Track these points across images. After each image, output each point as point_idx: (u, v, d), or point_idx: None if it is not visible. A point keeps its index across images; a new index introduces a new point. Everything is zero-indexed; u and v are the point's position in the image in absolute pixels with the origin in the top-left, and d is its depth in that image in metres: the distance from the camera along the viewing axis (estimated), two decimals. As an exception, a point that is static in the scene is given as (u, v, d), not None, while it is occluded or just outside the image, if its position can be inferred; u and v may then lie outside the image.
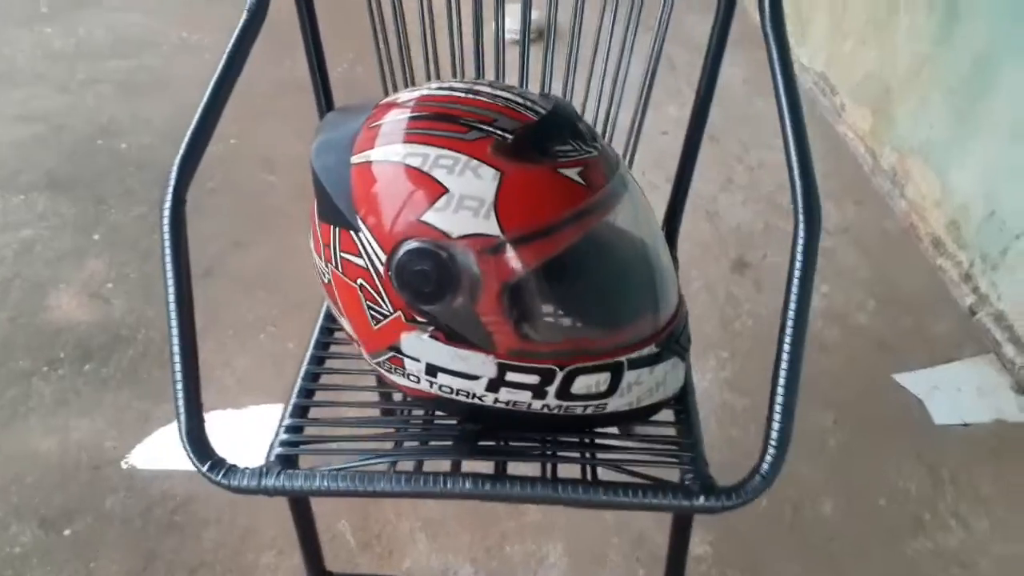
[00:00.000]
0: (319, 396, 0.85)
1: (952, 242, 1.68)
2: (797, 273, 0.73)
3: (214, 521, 1.18)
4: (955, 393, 1.43)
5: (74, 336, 1.49)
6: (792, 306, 0.71)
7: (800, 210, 0.75)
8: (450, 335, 0.67)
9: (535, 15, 0.94)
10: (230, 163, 1.95)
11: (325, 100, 1.01)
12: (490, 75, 0.94)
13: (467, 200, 0.62)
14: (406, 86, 0.96)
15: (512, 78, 0.95)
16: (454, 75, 0.95)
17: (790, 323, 0.70)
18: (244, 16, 0.88)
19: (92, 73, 2.37)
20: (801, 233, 0.74)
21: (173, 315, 0.75)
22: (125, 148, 2.02)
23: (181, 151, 0.80)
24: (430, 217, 0.62)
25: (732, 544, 1.18)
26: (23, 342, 1.48)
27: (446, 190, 0.62)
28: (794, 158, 0.76)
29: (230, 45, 0.85)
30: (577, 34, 0.90)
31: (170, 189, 0.77)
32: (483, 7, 0.93)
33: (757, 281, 1.68)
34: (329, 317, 0.93)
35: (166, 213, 0.76)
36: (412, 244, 0.63)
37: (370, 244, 0.65)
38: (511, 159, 0.63)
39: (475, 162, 0.63)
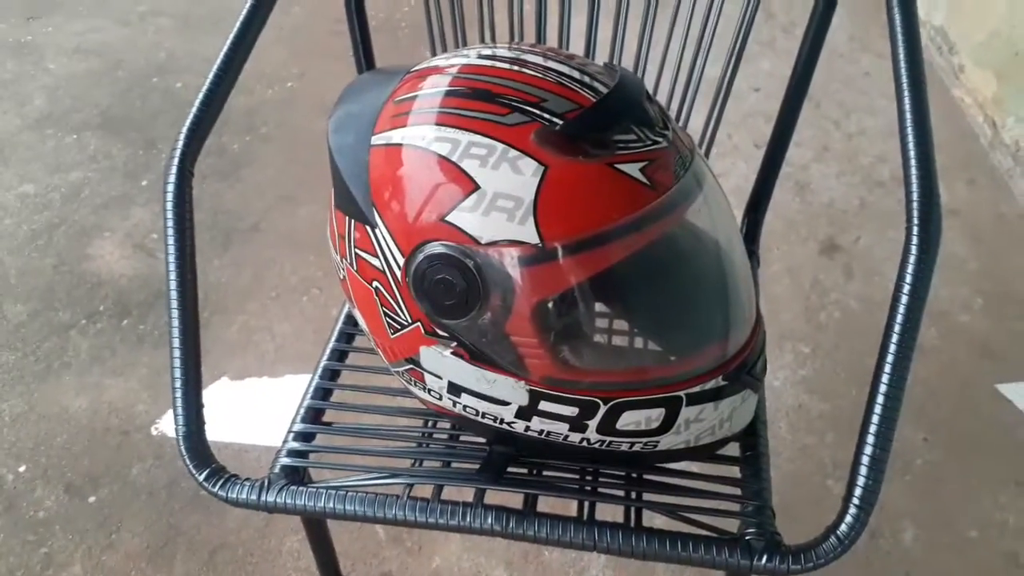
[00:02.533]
0: (338, 396, 0.76)
1: (1080, 234, 1.47)
2: (904, 300, 0.59)
3: (240, 499, 1.12)
4: (1069, 411, 1.26)
5: (115, 289, 1.44)
6: (895, 338, 0.58)
7: (916, 222, 0.61)
8: (475, 354, 0.56)
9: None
10: (286, 107, 1.86)
11: (365, 58, 0.90)
12: (553, 28, 0.81)
13: (501, 199, 0.51)
14: (456, 35, 0.84)
15: (580, 19, 0.81)
16: (512, 36, 0.82)
17: (890, 359, 0.58)
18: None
19: (153, 5, 2.31)
20: (913, 251, 0.61)
21: (175, 307, 0.67)
22: (180, 87, 1.96)
23: (190, 117, 0.71)
24: (456, 217, 0.51)
25: (796, 569, 1.06)
26: (64, 292, 1.44)
27: (477, 186, 0.51)
28: (913, 157, 0.62)
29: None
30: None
31: (175, 159, 0.69)
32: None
33: (848, 267, 1.51)
34: (354, 306, 0.83)
35: (170, 188, 0.67)
36: (434, 248, 0.52)
37: (387, 243, 0.55)
38: (558, 150, 0.51)
39: (514, 152, 0.51)
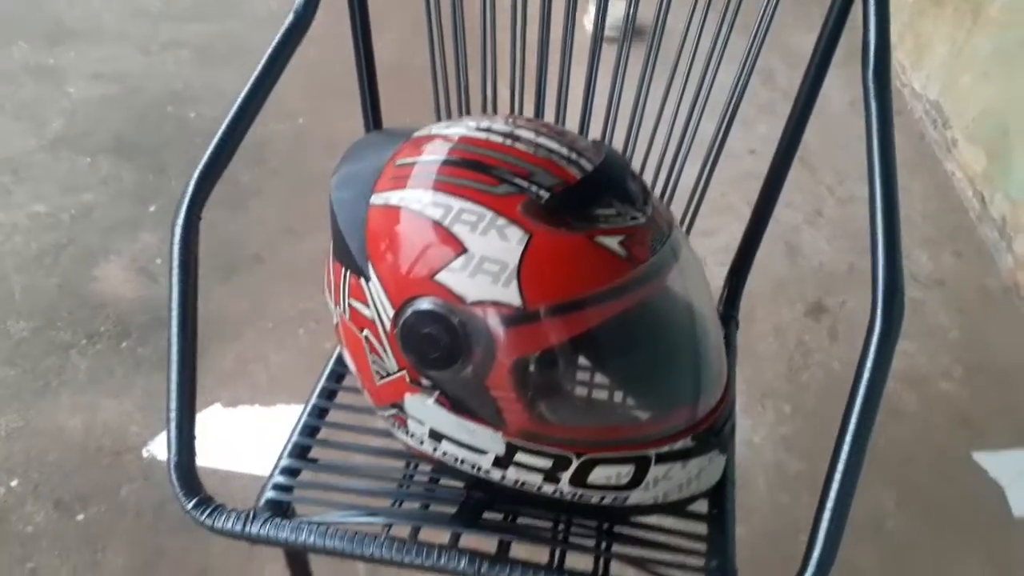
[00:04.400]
0: (324, 433, 0.79)
1: (1059, 310, 1.51)
2: (867, 373, 0.62)
3: (224, 526, 1.14)
4: (1041, 484, 1.29)
5: (116, 311, 1.48)
6: (851, 428, 0.61)
7: (880, 299, 0.64)
8: (456, 404, 0.59)
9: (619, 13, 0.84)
10: (295, 143, 1.92)
11: (373, 118, 0.95)
12: (553, 82, 0.85)
13: (487, 263, 0.55)
14: (459, 96, 0.88)
15: (577, 84, 0.84)
16: (512, 108, 0.87)
17: (847, 442, 0.61)
18: (290, 18, 0.81)
19: (174, 35, 2.37)
20: (877, 326, 0.64)
21: (175, 343, 0.70)
22: (194, 117, 2.02)
23: (202, 163, 0.74)
24: (445, 277, 0.55)
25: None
26: (67, 311, 1.47)
27: (465, 249, 0.55)
28: (880, 240, 0.66)
29: (271, 48, 0.80)
30: (657, 34, 0.80)
31: (184, 204, 0.71)
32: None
33: (833, 329, 1.55)
34: (345, 348, 0.87)
35: (177, 231, 0.70)
36: (421, 304, 0.56)
37: (379, 295, 0.59)
38: (543, 221, 0.55)
39: (502, 220, 0.55)
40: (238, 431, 1.22)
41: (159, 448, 1.24)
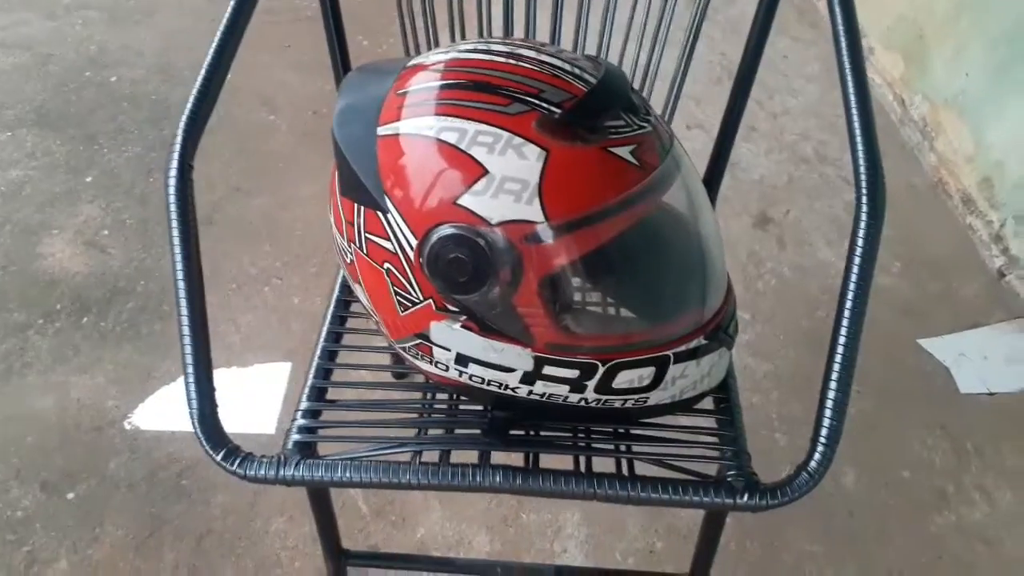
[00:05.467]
0: (337, 375, 0.80)
1: (984, 201, 1.62)
2: (857, 261, 0.67)
3: (222, 486, 1.15)
4: (981, 361, 1.40)
5: (70, 287, 1.43)
6: (850, 296, 0.66)
7: (864, 192, 0.69)
8: (484, 326, 0.61)
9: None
10: (227, 100, 1.85)
11: (342, 59, 0.93)
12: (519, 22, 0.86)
13: (509, 182, 0.56)
14: (426, 26, 0.88)
15: (544, 19, 0.86)
16: (480, 32, 0.87)
17: (847, 315, 0.66)
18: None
19: (79, -3, 2.23)
20: (863, 218, 0.68)
21: (183, 296, 0.69)
22: (115, 81, 1.92)
23: (186, 112, 0.72)
24: (467, 200, 0.56)
25: (751, 515, 1.15)
26: (17, 292, 1.42)
27: (486, 171, 0.56)
28: (858, 134, 0.70)
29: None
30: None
31: (175, 155, 0.70)
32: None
33: (780, 238, 1.62)
34: (345, 288, 0.87)
35: (171, 183, 0.69)
36: (447, 230, 0.57)
37: (399, 227, 0.59)
38: (558, 137, 0.56)
39: (518, 140, 0.56)
40: (219, 395, 1.21)
41: (141, 419, 1.22)
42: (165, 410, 1.23)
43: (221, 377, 1.28)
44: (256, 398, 1.25)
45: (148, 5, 2.17)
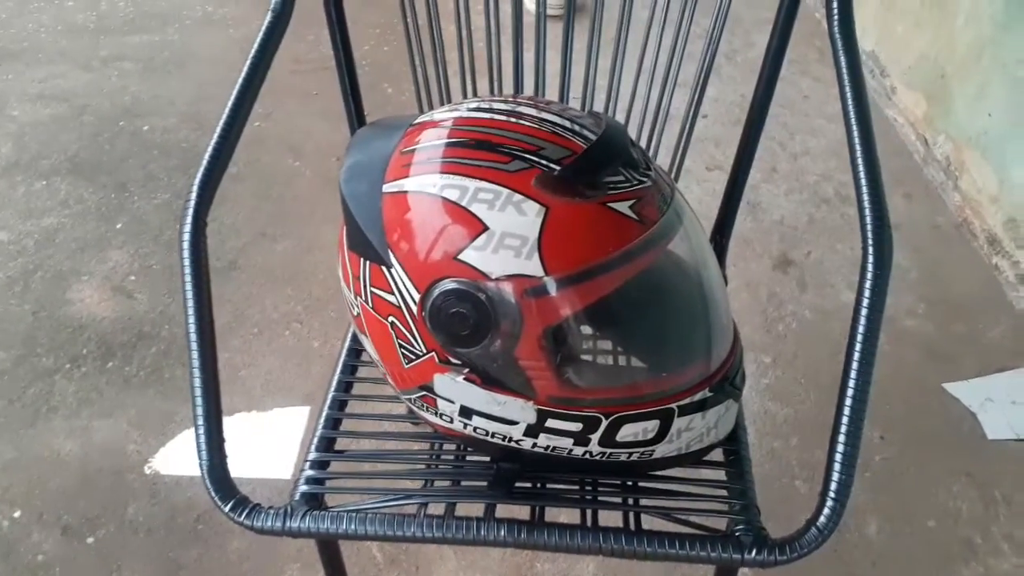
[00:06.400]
0: (346, 424, 0.81)
1: (1009, 240, 1.59)
2: (864, 312, 0.66)
3: (238, 532, 1.14)
4: (1010, 405, 1.36)
5: (97, 332, 1.46)
6: (857, 347, 0.65)
7: (870, 241, 0.69)
8: (486, 379, 0.62)
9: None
10: (254, 147, 1.90)
11: (356, 114, 0.95)
12: (529, 57, 0.87)
13: (508, 238, 0.57)
14: (438, 77, 0.90)
15: (553, 58, 0.88)
16: (490, 64, 0.89)
17: (855, 367, 0.65)
18: (268, 17, 0.82)
19: (114, 49, 2.32)
20: (870, 267, 0.68)
21: (194, 347, 0.70)
22: (148, 130, 1.98)
23: (201, 169, 0.74)
24: (468, 256, 0.57)
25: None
26: (46, 337, 1.45)
27: (486, 227, 0.57)
28: (863, 180, 0.70)
29: (253, 51, 0.80)
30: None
31: (190, 212, 0.72)
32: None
33: (801, 280, 1.61)
34: (355, 338, 0.88)
35: (186, 238, 0.71)
36: (448, 284, 0.58)
37: (403, 281, 0.60)
38: (557, 193, 0.57)
39: (518, 196, 0.57)
40: (239, 438, 1.22)
41: (161, 464, 1.24)
42: (185, 455, 1.25)
43: (241, 421, 1.30)
44: (274, 442, 1.26)
45: (181, 57, 2.25)
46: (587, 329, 0.61)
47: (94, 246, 1.64)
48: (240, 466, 1.15)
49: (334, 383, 0.84)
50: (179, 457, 1.25)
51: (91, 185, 1.80)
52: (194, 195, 0.72)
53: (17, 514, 1.18)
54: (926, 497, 1.23)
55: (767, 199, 1.81)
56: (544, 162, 0.58)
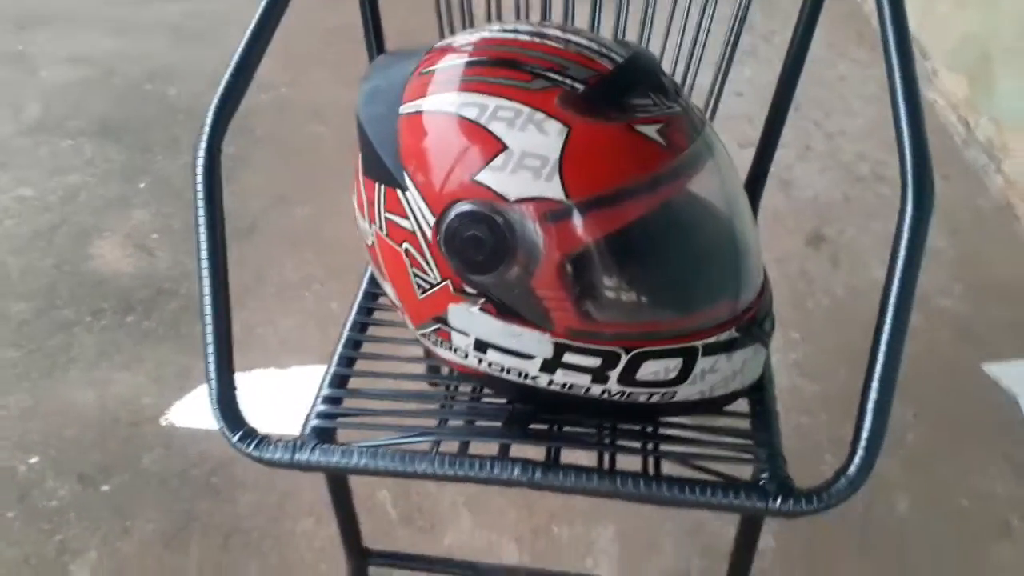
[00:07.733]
0: (360, 365, 0.79)
1: (1053, 223, 1.53)
2: (902, 255, 0.63)
3: (251, 485, 1.15)
4: (1050, 389, 1.31)
5: (117, 287, 1.46)
6: (894, 293, 0.62)
7: (910, 184, 0.66)
8: (502, 309, 0.59)
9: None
10: (279, 112, 1.90)
11: (377, 46, 0.93)
12: (557, 13, 0.85)
13: (528, 158, 0.54)
14: (465, 28, 0.87)
15: (581, 21, 0.85)
16: (518, 15, 0.86)
17: (890, 312, 0.61)
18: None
19: (150, 16, 2.33)
20: (909, 211, 0.65)
21: (205, 273, 0.69)
22: (175, 95, 1.99)
23: (216, 98, 0.73)
24: (485, 177, 0.55)
25: (797, 539, 1.09)
26: (67, 291, 1.46)
27: (504, 146, 0.54)
28: (905, 122, 0.67)
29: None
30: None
31: (204, 138, 0.70)
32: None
33: (834, 257, 1.56)
34: (373, 281, 0.86)
35: (200, 164, 0.70)
36: (464, 206, 0.56)
37: (418, 205, 0.58)
38: (581, 113, 0.55)
39: (539, 115, 0.55)
40: (256, 394, 1.21)
41: (177, 417, 1.24)
42: (200, 408, 1.25)
43: (258, 377, 1.29)
44: (291, 400, 1.24)
45: (213, 24, 2.25)
46: (608, 258, 0.59)
47: (117, 204, 1.65)
48: (256, 422, 1.15)
49: (349, 323, 0.82)
50: (195, 410, 1.24)
51: (116, 146, 1.81)
52: (209, 121, 0.71)
53: (33, 460, 1.18)
54: (960, 477, 1.19)
55: (801, 177, 1.76)
56: (568, 81, 0.56)
